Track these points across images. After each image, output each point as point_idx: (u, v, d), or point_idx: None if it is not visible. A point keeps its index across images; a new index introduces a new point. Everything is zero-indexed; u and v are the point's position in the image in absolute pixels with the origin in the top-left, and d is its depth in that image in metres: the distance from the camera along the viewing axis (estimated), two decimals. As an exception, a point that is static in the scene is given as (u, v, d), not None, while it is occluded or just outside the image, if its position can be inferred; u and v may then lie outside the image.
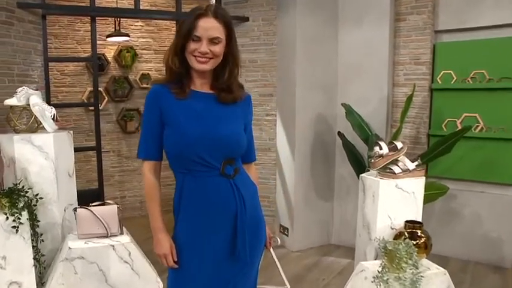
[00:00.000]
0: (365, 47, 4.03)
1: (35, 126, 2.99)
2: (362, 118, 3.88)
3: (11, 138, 2.83)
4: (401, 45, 4.06)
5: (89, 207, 2.80)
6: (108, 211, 2.81)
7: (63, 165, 3.01)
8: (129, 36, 4.74)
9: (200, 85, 1.67)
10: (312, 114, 4.13)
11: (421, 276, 2.34)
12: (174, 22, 4.19)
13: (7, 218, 2.51)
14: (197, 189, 1.64)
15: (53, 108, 2.97)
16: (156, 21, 4.89)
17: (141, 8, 4.20)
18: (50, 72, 4.46)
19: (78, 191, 4.01)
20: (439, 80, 3.97)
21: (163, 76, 1.72)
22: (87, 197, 3.30)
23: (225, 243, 1.65)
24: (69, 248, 2.68)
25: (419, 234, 2.59)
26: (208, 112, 1.64)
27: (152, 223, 1.71)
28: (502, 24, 3.65)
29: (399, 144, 2.82)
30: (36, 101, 2.90)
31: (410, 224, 2.61)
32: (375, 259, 2.70)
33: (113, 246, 2.73)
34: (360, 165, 3.72)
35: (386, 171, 2.76)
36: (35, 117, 2.94)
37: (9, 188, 2.70)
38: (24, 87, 2.92)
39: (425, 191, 3.50)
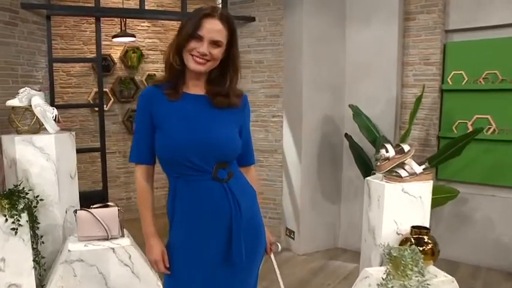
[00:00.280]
0: (373, 46, 3.95)
1: (37, 127, 2.98)
2: (370, 119, 3.80)
3: (12, 139, 2.82)
4: (410, 45, 3.97)
5: (89, 210, 2.77)
6: (109, 213, 2.78)
7: (65, 166, 3.00)
8: (135, 36, 4.72)
9: (193, 87, 1.63)
10: (319, 115, 4.06)
11: (428, 284, 2.26)
12: (180, 22, 4.16)
13: (6, 220, 2.49)
14: (190, 194, 1.59)
15: (55, 109, 2.95)
16: (163, 21, 4.87)
17: (147, 8, 4.19)
18: (55, 73, 4.47)
19: (83, 193, 4.02)
20: (449, 81, 3.87)
21: (163, 76, 1.67)
22: (91, 199, 3.28)
23: (220, 248, 1.59)
24: (69, 250, 2.66)
25: (426, 240, 2.51)
26: (200, 115, 1.60)
27: (144, 228, 1.68)
28: (516, 23, 3.55)
29: (406, 147, 2.74)
30: (38, 102, 2.89)
31: (416, 229, 2.53)
32: (380, 265, 2.63)
33: (113, 249, 2.71)
34: (367, 168, 3.64)
35: (392, 175, 2.68)
36: (37, 118, 2.93)
37: (9, 189, 2.68)
38: (26, 88, 2.92)
39: (434, 194, 3.42)
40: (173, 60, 1.58)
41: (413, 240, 2.50)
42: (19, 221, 2.51)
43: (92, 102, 4.63)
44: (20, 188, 2.70)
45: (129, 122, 4.98)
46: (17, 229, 2.50)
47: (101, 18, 4.15)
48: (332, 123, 4.12)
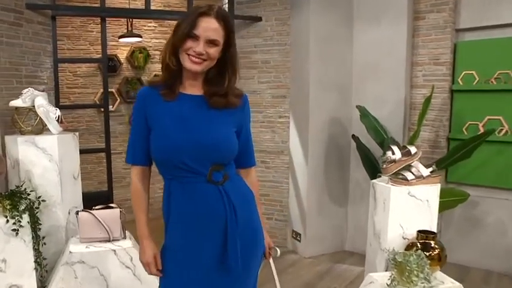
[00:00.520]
0: (381, 46, 3.88)
1: (41, 128, 2.98)
2: (378, 121, 3.73)
3: (15, 139, 2.82)
4: (419, 45, 3.88)
5: (90, 211, 2.76)
6: (111, 215, 2.76)
7: (68, 167, 2.99)
8: (141, 37, 4.70)
9: (190, 87, 1.59)
10: (326, 116, 4.00)
11: (433, 291, 2.20)
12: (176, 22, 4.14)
13: (7, 220, 2.49)
14: (184, 196, 1.56)
15: (58, 110, 2.95)
16: (169, 21, 4.84)
17: (154, 8, 4.18)
18: (62, 74, 4.49)
19: (88, 193, 4.02)
20: (460, 81, 3.78)
21: (160, 76, 1.64)
22: (96, 199, 3.27)
23: (215, 252, 1.55)
24: (70, 252, 2.66)
25: (432, 245, 2.45)
26: (195, 115, 1.56)
27: (138, 230, 1.66)
28: (530, 22, 3.45)
29: (413, 149, 2.67)
30: (41, 103, 2.89)
31: (423, 234, 2.47)
32: (386, 270, 2.56)
33: (114, 251, 2.70)
34: (374, 170, 3.57)
35: (398, 178, 2.62)
36: (41, 118, 2.93)
37: (11, 190, 2.68)
38: (29, 88, 2.92)
39: (444, 197, 3.36)
40: (169, 61, 1.54)
41: (419, 245, 2.44)
42: (20, 222, 2.51)
43: (98, 102, 4.63)
44: (22, 188, 2.70)
45: (135, 122, 4.95)
46: (18, 230, 2.50)
47: (107, 19, 4.15)
48: (339, 124, 4.05)
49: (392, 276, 2.29)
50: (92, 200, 3.08)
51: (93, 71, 4.64)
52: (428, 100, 3.47)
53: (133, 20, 4.57)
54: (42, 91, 2.99)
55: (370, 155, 3.71)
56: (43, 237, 2.74)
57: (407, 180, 2.57)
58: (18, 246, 2.54)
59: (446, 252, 2.49)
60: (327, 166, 4.05)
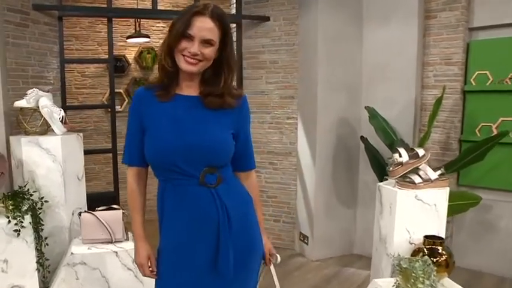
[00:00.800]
0: (392, 46, 3.79)
1: (45, 129, 2.98)
2: (387, 122, 3.65)
3: (19, 140, 2.82)
4: (431, 45, 3.79)
5: (93, 212, 2.75)
6: (113, 216, 2.75)
7: (72, 168, 2.99)
8: (149, 37, 4.70)
9: (186, 88, 1.56)
10: (335, 117, 3.93)
11: (439, 299, 2.12)
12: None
13: (9, 221, 2.49)
14: (177, 199, 1.54)
15: (62, 111, 2.95)
16: (178, 22, 4.83)
17: (162, 8, 4.16)
18: (70, 74, 4.51)
19: (95, 194, 4.03)
20: (472, 82, 3.68)
21: (156, 77, 1.61)
22: (103, 200, 3.26)
23: (208, 255, 1.52)
24: (72, 253, 2.65)
25: (440, 251, 2.37)
26: (189, 116, 1.53)
27: (133, 231, 1.65)
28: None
29: (421, 152, 2.60)
30: (45, 103, 2.89)
31: (430, 239, 2.39)
32: (391, 276, 2.49)
33: (116, 252, 2.68)
34: (383, 172, 3.49)
35: (405, 181, 2.54)
36: (46, 119, 2.93)
37: (14, 190, 2.68)
38: (34, 89, 2.93)
39: (455, 200, 3.28)
40: (165, 61, 1.52)
41: (426, 251, 2.36)
42: (22, 222, 2.51)
43: (106, 103, 4.64)
44: (25, 189, 2.71)
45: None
46: (19, 231, 2.50)
47: (115, 19, 4.16)
48: (348, 125, 3.98)
49: (397, 282, 2.22)
50: (98, 201, 3.07)
51: (102, 72, 4.64)
52: (439, 101, 3.39)
53: (142, 20, 4.57)
54: (47, 92, 2.99)
55: (378, 157, 3.64)
56: (45, 238, 2.74)
57: (415, 183, 2.50)
58: (20, 246, 2.55)
59: (454, 258, 2.41)
60: (335, 168, 3.99)
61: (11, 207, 2.52)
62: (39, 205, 2.70)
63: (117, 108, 4.52)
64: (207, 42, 1.46)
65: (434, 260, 2.31)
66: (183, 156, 1.48)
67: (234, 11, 4.24)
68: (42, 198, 2.74)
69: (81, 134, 3.06)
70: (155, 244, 1.62)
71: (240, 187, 1.65)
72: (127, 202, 1.69)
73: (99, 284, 2.65)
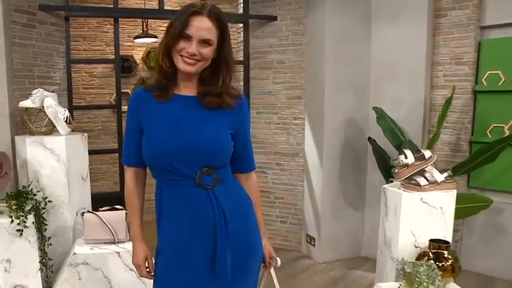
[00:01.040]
0: (400, 45, 3.73)
1: (51, 129, 3.00)
2: (395, 123, 3.59)
3: (24, 140, 2.84)
4: (440, 44, 3.71)
5: (96, 212, 2.75)
6: (116, 216, 2.75)
7: (76, 168, 3.00)
8: (157, 37, 4.69)
9: (184, 88, 1.55)
10: (342, 117, 3.88)
11: (444, 304, 2.07)
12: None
13: (12, 221, 2.50)
14: (174, 200, 1.53)
15: (66, 111, 2.95)
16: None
17: (169, 8, 4.15)
18: (78, 74, 4.53)
19: (101, 194, 4.04)
20: (484, 82, 3.60)
21: (154, 78, 1.59)
22: (109, 200, 3.26)
23: (205, 257, 1.50)
24: (74, 253, 2.65)
25: (445, 255, 2.31)
26: (187, 117, 1.51)
27: (130, 231, 1.66)
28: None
29: (427, 153, 2.54)
30: (50, 103, 2.90)
31: (435, 243, 2.33)
32: (396, 280, 2.44)
33: (118, 253, 2.68)
34: (390, 174, 3.41)
35: (410, 183, 2.49)
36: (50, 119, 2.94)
37: (18, 190, 2.69)
38: (39, 89, 2.94)
39: (466, 203, 3.21)
40: (162, 62, 1.50)
41: (431, 255, 2.30)
42: (25, 222, 2.51)
43: (114, 103, 4.65)
44: (29, 189, 2.72)
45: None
46: (22, 230, 2.50)
47: (123, 19, 4.17)
48: (356, 126, 3.93)
49: (401, 287, 2.17)
50: (104, 201, 3.07)
51: (109, 72, 4.65)
52: (448, 101, 3.32)
53: (149, 20, 4.57)
54: (52, 92, 3.00)
55: (386, 158, 3.57)
56: (49, 238, 2.75)
57: (420, 185, 2.44)
58: (23, 246, 2.55)
59: (464, 262, 2.34)
60: (342, 169, 3.94)
61: (14, 207, 2.53)
62: (42, 205, 2.71)
63: (124, 108, 4.52)
64: (205, 42, 1.45)
65: (440, 264, 2.25)
66: (180, 156, 1.47)
67: (241, 11, 4.22)
68: (46, 198, 2.75)
69: (85, 134, 3.07)
70: (154, 245, 1.60)
71: (239, 189, 1.63)
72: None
73: (102, 285, 2.65)
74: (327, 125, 3.84)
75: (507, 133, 3.44)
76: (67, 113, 2.94)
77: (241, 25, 4.25)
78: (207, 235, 1.49)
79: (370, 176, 3.98)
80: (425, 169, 2.51)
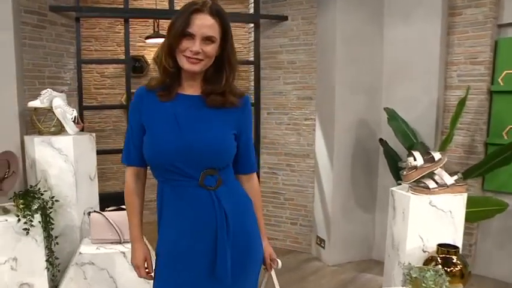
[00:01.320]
0: (413, 45, 3.65)
1: (60, 129, 3.02)
2: (407, 124, 3.51)
3: (32, 140, 2.86)
4: (455, 43, 3.62)
5: (102, 212, 2.76)
6: (122, 216, 2.73)
7: (84, 168, 3.01)
8: (168, 38, 4.70)
9: (188, 87, 1.53)
10: (353, 118, 3.82)
11: (452, 311, 2.01)
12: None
13: (19, 220, 2.52)
14: (175, 200, 1.51)
15: (74, 111, 2.97)
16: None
17: (178, 8, 4.15)
18: (90, 74, 4.56)
19: (113, 193, 4.05)
20: (500, 81, 3.49)
21: (157, 79, 1.57)
22: (119, 200, 3.26)
23: (206, 259, 1.49)
24: (80, 253, 2.66)
25: (454, 260, 2.24)
26: (190, 117, 1.49)
27: (129, 232, 1.63)
28: None
29: (437, 155, 2.48)
30: (58, 103, 2.93)
31: (443, 248, 2.26)
32: (403, 285, 2.38)
33: (123, 253, 2.68)
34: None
35: (419, 186, 2.43)
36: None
37: (25, 189, 2.72)
38: (48, 89, 2.96)
39: (480, 206, 3.12)
40: (166, 63, 1.48)
41: (439, 260, 2.25)
42: (32, 221, 2.54)
43: (124, 103, 4.68)
44: (36, 188, 2.74)
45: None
46: (28, 229, 2.52)
47: (135, 20, 4.18)
48: (367, 127, 3.86)
49: (407, 292, 2.12)
50: (113, 201, 3.07)
51: (120, 72, 4.68)
52: (462, 102, 3.23)
53: (160, 20, 4.57)
54: (61, 92, 3.02)
55: (397, 160, 3.49)
56: (56, 237, 2.76)
57: (429, 188, 2.38)
58: (29, 245, 2.58)
59: (474, 268, 2.28)
60: (353, 170, 3.88)
61: (21, 206, 2.55)
62: (49, 204, 2.73)
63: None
64: (208, 39, 1.43)
65: (448, 270, 2.19)
66: (182, 156, 1.45)
67: (252, 11, 4.20)
68: (53, 197, 2.77)
69: (93, 134, 3.08)
70: (155, 245, 1.59)
71: (240, 190, 1.62)
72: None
73: (107, 285, 2.66)
74: (337, 126, 3.78)
75: (524, 135, 3.34)
76: (75, 113, 2.96)
77: (252, 25, 4.22)
78: (208, 236, 1.48)
79: (382, 178, 3.91)
80: (435, 172, 2.45)
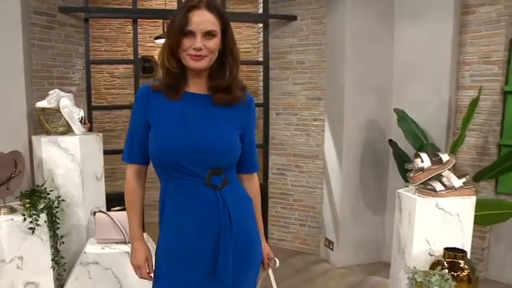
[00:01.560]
0: (424, 44, 3.58)
1: (67, 129, 3.04)
2: (417, 125, 3.45)
3: (39, 139, 2.89)
4: (468, 42, 3.54)
5: (107, 212, 2.77)
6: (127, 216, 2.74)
7: (91, 168, 3.02)
8: (178, 38, 4.70)
9: (194, 85, 1.52)
10: (363, 119, 3.77)
11: (457, 317, 1.95)
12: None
13: (24, 219, 2.54)
14: (179, 199, 1.49)
15: (81, 111, 2.99)
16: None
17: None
18: (100, 75, 4.60)
19: (121, 194, 4.06)
20: (514, 82, 3.41)
21: (161, 82, 1.54)
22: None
23: (207, 259, 1.48)
24: (85, 252, 2.67)
25: (461, 265, 2.19)
26: (197, 116, 1.48)
27: (129, 231, 1.62)
28: None
29: (445, 157, 2.42)
30: (65, 104, 2.95)
31: (450, 252, 2.21)
32: (408, 289, 2.33)
33: (128, 253, 2.66)
34: (410, 178, 3.30)
35: (426, 188, 2.37)
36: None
37: (31, 188, 2.74)
38: (56, 89, 2.98)
39: (493, 209, 3.04)
40: (169, 64, 1.46)
41: (446, 264, 2.19)
42: (37, 220, 2.56)
43: (134, 103, 4.71)
44: (43, 188, 2.76)
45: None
46: (34, 228, 2.54)
47: (145, 20, 4.20)
48: (377, 128, 3.81)
49: (412, 297, 2.07)
50: (121, 201, 3.07)
51: (130, 72, 4.68)
52: (474, 102, 3.16)
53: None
54: (69, 92, 3.04)
55: (407, 162, 3.44)
56: (62, 236, 2.78)
57: (436, 191, 2.32)
58: (35, 244, 2.60)
59: (477, 273, 2.21)
60: (362, 172, 3.82)
61: (27, 205, 2.57)
62: (55, 204, 2.75)
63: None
64: (209, 34, 1.42)
65: (455, 274, 2.13)
66: (188, 155, 1.44)
67: (261, 11, 4.18)
68: (59, 197, 2.79)
69: (100, 135, 3.09)
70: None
71: (242, 190, 1.61)
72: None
73: (111, 284, 2.66)
74: (347, 127, 3.74)
75: (539, 136, 3.25)
76: (82, 113, 2.97)
77: (261, 25, 4.20)
78: (210, 235, 1.47)
79: (392, 180, 3.85)
80: (442, 174, 2.39)
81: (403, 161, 3.46)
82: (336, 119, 3.82)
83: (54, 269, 2.69)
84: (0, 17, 2.86)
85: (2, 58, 2.89)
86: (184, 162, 1.44)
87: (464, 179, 2.37)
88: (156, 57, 4.88)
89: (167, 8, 4.52)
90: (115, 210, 2.84)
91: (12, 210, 2.64)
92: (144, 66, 4.69)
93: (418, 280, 2.02)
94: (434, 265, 2.24)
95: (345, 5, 3.63)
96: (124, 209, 2.76)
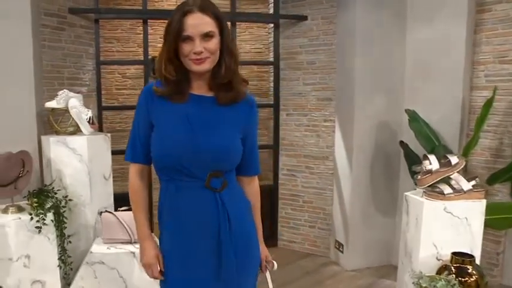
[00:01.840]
0: (437, 44, 3.50)
1: (76, 129, 3.06)
2: (429, 126, 3.38)
3: (48, 139, 2.92)
4: (483, 42, 3.45)
5: (113, 212, 2.78)
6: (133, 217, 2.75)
7: (99, 168, 3.04)
8: (188, 38, 4.72)
9: (198, 86, 1.51)
10: (374, 120, 3.71)
11: (463, 325, 1.90)
12: (229, 23, 4.07)
13: (31, 218, 2.57)
14: (179, 200, 1.50)
15: (90, 111, 3.01)
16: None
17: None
18: (111, 75, 4.63)
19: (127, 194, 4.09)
20: (531, 82, 3.31)
21: (162, 87, 1.51)
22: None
23: (208, 261, 1.49)
24: (91, 252, 2.68)
25: (469, 270, 2.12)
26: (200, 118, 1.48)
27: (137, 230, 1.61)
28: None
29: (454, 159, 2.35)
30: (74, 104, 2.97)
31: (458, 257, 2.15)
32: (415, 294, 2.27)
33: (133, 253, 2.68)
34: (421, 180, 3.23)
35: (434, 191, 2.31)
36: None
37: (39, 188, 2.77)
38: (64, 90, 3.01)
39: (507, 213, 2.95)
40: (167, 73, 1.45)
41: (453, 269, 2.13)
42: (44, 220, 2.58)
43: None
44: (50, 187, 2.79)
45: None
46: (41, 227, 2.57)
47: (156, 21, 4.21)
48: (388, 129, 3.74)
49: (417, 303, 2.02)
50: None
51: (141, 73, 4.72)
52: (489, 103, 3.07)
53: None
54: (78, 93, 3.07)
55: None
56: (69, 236, 2.80)
57: (444, 194, 2.26)
58: (42, 243, 2.63)
59: (487, 279, 2.15)
60: (373, 173, 3.76)
61: (35, 204, 2.60)
62: (63, 203, 2.77)
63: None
64: (207, 36, 1.41)
65: (463, 280, 2.08)
66: (191, 157, 1.44)
67: (271, 11, 4.15)
68: (67, 196, 2.82)
69: (108, 135, 3.11)
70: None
71: (241, 193, 1.61)
72: (129, 200, 1.63)
73: (117, 284, 2.67)
74: (357, 128, 3.68)
75: (556, 138, 3.14)
76: (90, 114, 3.00)
77: (272, 25, 4.17)
78: (209, 237, 1.48)
79: (403, 182, 3.77)
80: (451, 176, 2.33)
81: (414, 163, 3.39)
82: (347, 120, 3.77)
83: (60, 268, 2.72)
84: (11, 19, 2.90)
85: (12, 59, 2.93)
86: (185, 164, 1.44)
87: (473, 182, 2.31)
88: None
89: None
90: (122, 210, 2.85)
91: (20, 209, 2.67)
92: (154, 67, 4.71)
93: (423, 285, 1.97)
94: (441, 270, 2.18)
95: (356, 5, 3.58)
96: (129, 209, 2.81)
